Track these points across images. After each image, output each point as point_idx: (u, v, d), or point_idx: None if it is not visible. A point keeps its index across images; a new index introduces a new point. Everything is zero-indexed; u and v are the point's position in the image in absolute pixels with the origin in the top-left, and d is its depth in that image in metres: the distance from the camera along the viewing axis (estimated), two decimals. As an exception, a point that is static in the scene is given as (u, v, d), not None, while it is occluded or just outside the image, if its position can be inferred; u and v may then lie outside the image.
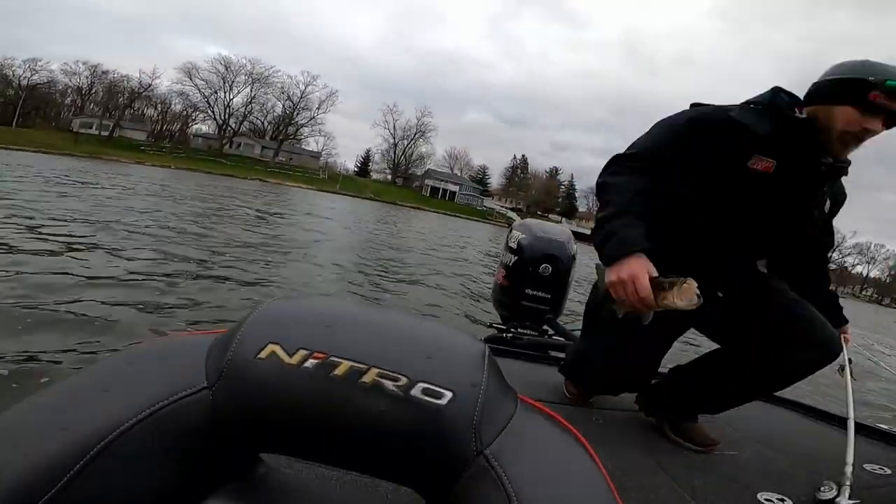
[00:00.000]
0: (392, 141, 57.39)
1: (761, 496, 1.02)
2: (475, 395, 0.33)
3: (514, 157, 66.28)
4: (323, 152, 54.79)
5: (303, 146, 53.19)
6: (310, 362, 0.31)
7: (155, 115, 49.09)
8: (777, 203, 1.01)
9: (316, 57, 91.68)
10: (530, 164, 65.88)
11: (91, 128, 40.36)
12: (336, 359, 0.31)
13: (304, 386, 0.31)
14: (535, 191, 59.75)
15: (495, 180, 65.08)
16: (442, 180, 54.13)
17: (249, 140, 48.58)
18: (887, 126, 0.94)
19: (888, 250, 61.67)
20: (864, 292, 60.88)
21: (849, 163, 1.04)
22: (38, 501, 0.28)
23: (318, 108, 52.12)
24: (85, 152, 31.68)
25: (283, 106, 51.49)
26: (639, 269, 0.85)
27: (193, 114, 48.98)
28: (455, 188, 53.57)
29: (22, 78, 41.42)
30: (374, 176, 59.90)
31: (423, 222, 26.00)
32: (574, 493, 0.33)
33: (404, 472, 0.34)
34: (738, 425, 1.40)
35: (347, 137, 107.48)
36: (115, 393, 0.32)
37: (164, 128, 49.03)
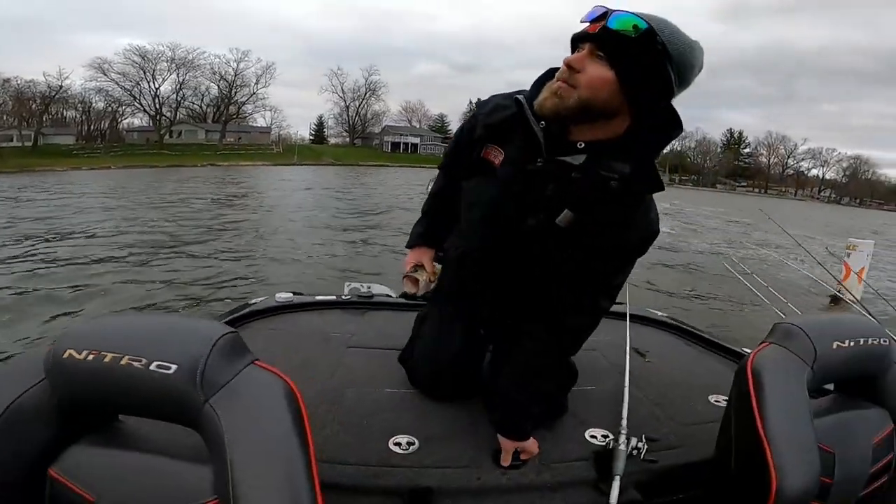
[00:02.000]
0: (343, 104, 55.21)
1: (588, 433, 1.01)
2: (195, 365, 0.55)
3: (471, 101, 64.60)
4: (273, 126, 51.94)
5: (250, 123, 50.29)
6: (91, 356, 0.55)
7: (77, 116, 45.03)
8: (502, 199, 0.86)
9: (245, 32, 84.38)
10: None
11: (11, 140, 36.80)
12: (105, 353, 0.55)
13: (90, 371, 0.55)
14: None
15: (455, 126, 63.82)
16: (401, 135, 52.91)
17: (191, 126, 45.43)
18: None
19: (839, 153, 64.68)
20: (822, 194, 63.56)
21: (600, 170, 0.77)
22: None
23: (256, 84, 48.86)
24: (13, 167, 29.06)
25: (219, 87, 47.89)
26: (410, 259, 1.08)
27: (120, 109, 45.08)
28: (416, 140, 52.48)
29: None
30: (333, 141, 57.92)
31: (394, 179, 25.59)
32: (270, 429, 0.56)
33: (164, 415, 0.59)
34: (613, 358, 1.36)
35: (299, 108, 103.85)
36: None
37: (92, 128, 45.08)
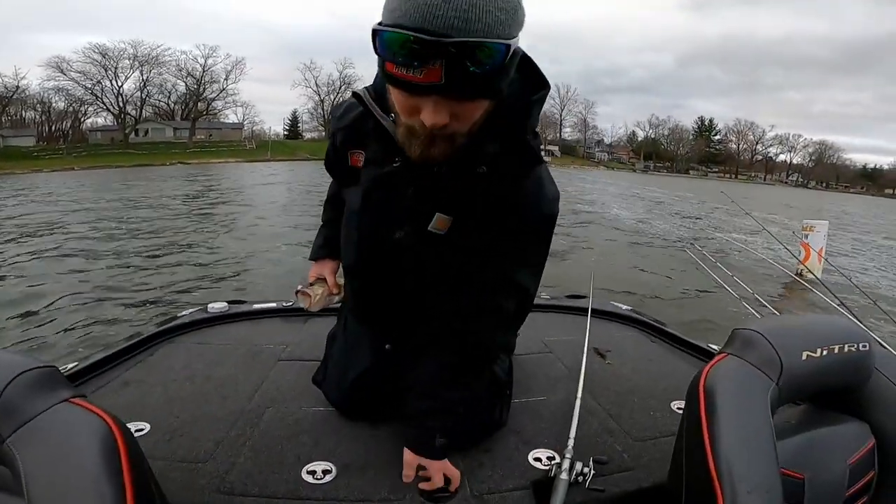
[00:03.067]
0: (318, 98, 54.59)
1: (532, 455, 0.91)
2: None
3: (447, 91, 64.74)
4: (245, 122, 50.68)
5: (221, 120, 48.91)
6: None
7: (37, 117, 43.07)
8: (362, 210, 0.79)
9: (212, 27, 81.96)
10: None
11: (-35, 144, 35.03)
12: None
13: None
14: None
15: None
16: (378, 127, 52.16)
17: (157, 124, 43.90)
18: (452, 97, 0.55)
19: (805, 138, 67.53)
20: (790, 178, 65.83)
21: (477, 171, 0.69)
22: None
23: (226, 80, 47.43)
24: (-33, 172, 27.69)
25: (186, 83, 46.36)
26: (312, 272, 1.04)
27: (82, 108, 43.27)
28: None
29: None
30: (309, 135, 56.79)
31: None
32: (73, 474, 0.51)
33: None
34: (568, 361, 1.27)
35: (272, 103, 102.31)
36: None
37: (53, 128, 43.23)
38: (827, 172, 65.73)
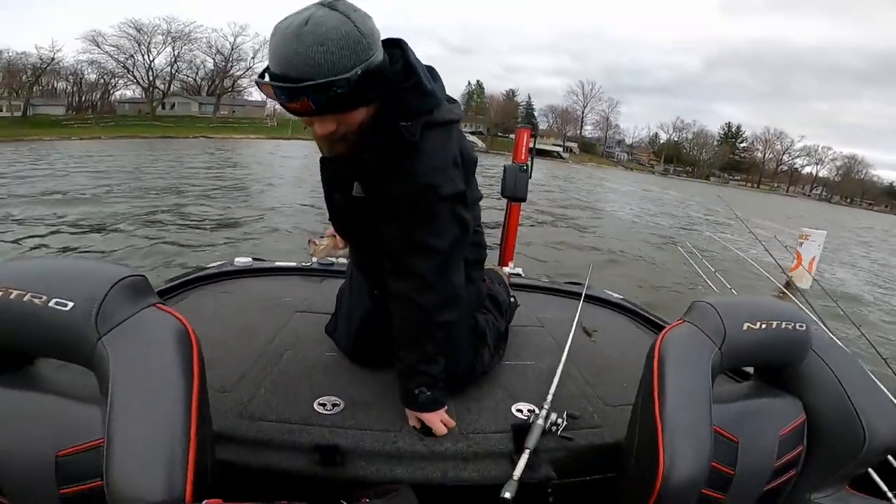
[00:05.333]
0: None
1: (515, 406, 1.02)
2: (92, 304, 0.58)
3: (469, 83, 63.89)
4: (267, 100, 50.43)
5: (245, 97, 49.49)
6: (2, 293, 0.58)
7: (68, 87, 44.15)
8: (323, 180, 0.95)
9: (243, 2, 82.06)
10: (486, 89, 63.97)
11: (1, 110, 36.19)
12: (11, 289, 0.57)
13: (5, 305, 0.58)
14: (493, 113, 58.45)
15: None
16: (397, 114, 51.82)
17: (184, 98, 44.54)
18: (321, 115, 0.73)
19: (835, 151, 65.17)
20: (814, 191, 64.06)
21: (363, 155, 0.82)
22: None
23: (253, 58, 47.60)
24: (3, 136, 28.73)
25: (215, 60, 46.88)
26: (327, 231, 1.15)
27: (112, 80, 44.23)
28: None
29: None
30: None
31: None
32: (155, 368, 0.59)
33: (61, 353, 0.61)
34: (557, 335, 1.38)
35: None
36: None
37: (83, 99, 44.24)
38: (853, 187, 63.63)
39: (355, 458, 0.85)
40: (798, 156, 65.11)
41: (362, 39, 0.68)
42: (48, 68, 40.39)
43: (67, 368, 0.63)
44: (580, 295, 1.63)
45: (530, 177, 2.43)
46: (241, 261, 1.74)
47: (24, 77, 39.55)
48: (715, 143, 65.31)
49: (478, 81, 64.79)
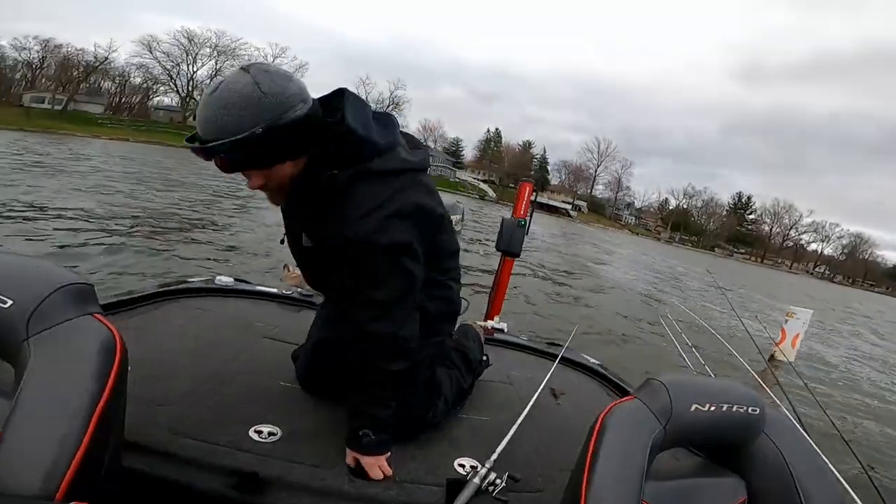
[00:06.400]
0: (366, 113, 56.15)
1: (458, 461, 0.99)
2: (30, 304, 0.59)
3: (488, 130, 65.45)
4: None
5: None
6: None
7: (113, 87, 46.81)
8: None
9: (284, 26, 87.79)
10: (504, 137, 65.38)
11: (43, 102, 38.29)
12: None
13: None
14: (507, 163, 59.37)
15: (469, 153, 64.39)
16: (415, 152, 53.15)
17: (215, 113, 46.76)
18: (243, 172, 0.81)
19: (842, 229, 64.95)
20: (816, 269, 63.87)
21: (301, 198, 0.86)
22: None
23: (288, 81, 50.11)
24: (36, 126, 30.29)
25: (251, 79, 49.50)
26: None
27: (154, 86, 46.85)
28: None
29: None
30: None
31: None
32: (71, 375, 0.59)
33: None
34: (524, 392, 1.34)
35: None
36: None
37: (123, 100, 46.71)
38: (856, 267, 63.40)
39: (277, 489, 0.82)
40: (805, 231, 64.91)
41: (265, 99, 0.72)
42: (99, 67, 42.90)
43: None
44: (556, 356, 1.61)
45: (527, 233, 2.45)
46: (223, 280, 1.76)
47: (75, 73, 42.06)
48: (724, 212, 65.26)
49: (496, 129, 66.32)
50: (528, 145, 64.54)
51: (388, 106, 55.55)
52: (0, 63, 40.94)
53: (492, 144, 63.87)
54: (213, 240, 6.91)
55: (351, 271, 0.85)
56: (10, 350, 0.60)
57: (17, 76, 43.05)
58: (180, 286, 1.62)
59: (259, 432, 0.94)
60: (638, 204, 67.38)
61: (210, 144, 0.73)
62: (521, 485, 0.91)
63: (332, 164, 0.81)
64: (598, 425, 0.74)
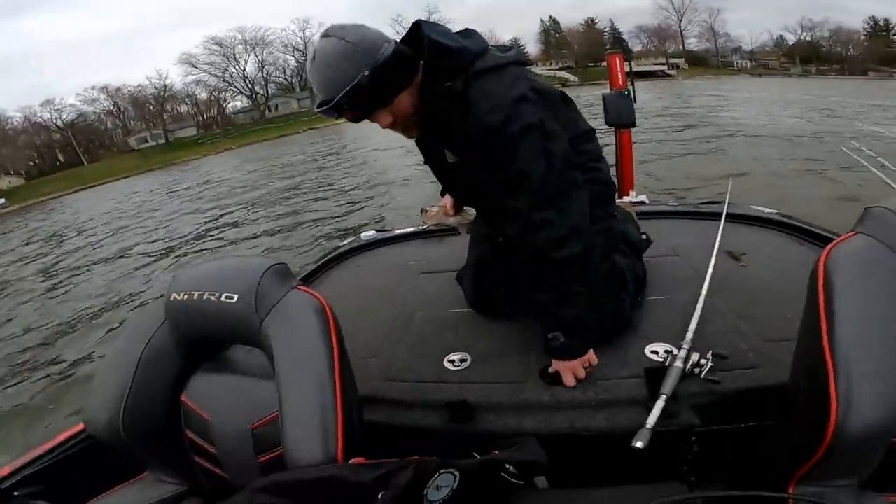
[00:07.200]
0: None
1: (649, 348, 0.93)
2: (251, 294, 0.71)
3: (542, 21, 59.58)
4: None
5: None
6: (185, 296, 0.75)
7: (189, 109, 50.14)
8: (429, 162, 1.06)
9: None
10: (562, 22, 59.02)
11: (147, 141, 42.51)
12: (193, 292, 0.74)
13: (186, 308, 0.75)
14: (577, 46, 54.20)
15: (532, 49, 59.15)
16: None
17: (283, 98, 48.21)
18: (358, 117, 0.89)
19: None
20: None
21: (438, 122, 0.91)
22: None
23: (326, 44, 49.67)
24: (158, 163, 33.77)
25: (295, 57, 49.74)
26: (444, 200, 1.16)
27: (221, 95, 49.22)
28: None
29: (52, 121, 42.63)
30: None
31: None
32: (303, 343, 0.70)
33: (242, 338, 0.76)
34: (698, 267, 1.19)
35: None
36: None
37: (205, 117, 49.97)
38: None
39: (483, 412, 0.86)
40: None
41: (357, 49, 0.80)
42: (167, 94, 46.11)
43: (254, 352, 0.74)
44: (720, 215, 1.40)
45: (635, 101, 2.36)
46: (367, 235, 1.87)
47: (150, 107, 45.71)
48: (862, 39, 52.54)
49: (550, 17, 60.04)
50: (591, 22, 57.56)
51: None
52: (86, 120, 45.36)
53: (552, 33, 58.57)
54: (337, 195, 8.32)
55: (500, 168, 0.86)
56: (254, 337, 0.72)
57: (109, 125, 47.87)
58: (334, 253, 1.74)
59: (452, 361, 0.98)
60: (747, 47, 57.09)
61: (333, 102, 0.81)
62: (731, 362, 0.84)
63: (443, 79, 0.86)
64: (820, 272, 0.59)
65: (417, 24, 0.90)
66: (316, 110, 0.87)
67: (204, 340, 0.79)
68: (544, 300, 0.89)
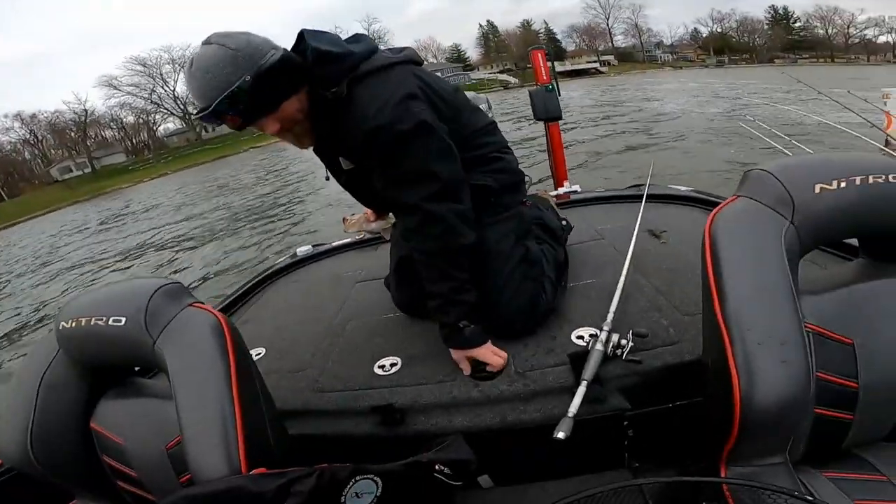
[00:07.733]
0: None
1: (575, 333, 0.92)
2: (139, 315, 0.70)
3: (480, 26, 61.42)
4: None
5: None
6: (73, 323, 0.73)
7: (115, 133, 46.71)
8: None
9: (222, 17, 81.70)
10: (499, 26, 61.16)
11: (71, 170, 39.15)
12: (80, 318, 0.73)
13: (75, 335, 0.74)
14: (515, 48, 55.77)
15: (472, 54, 61.09)
16: (421, 76, 51.31)
17: (219, 118, 46.03)
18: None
19: None
20: None
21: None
22: None
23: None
24: (85, 193, 31.21)
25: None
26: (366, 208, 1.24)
27: (150, 117, 46.18)
28: (438, 73, 50.05)
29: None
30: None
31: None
32: (199, 360, 0.68)
33: (136, 361, 0.77)
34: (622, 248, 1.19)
35: None
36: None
37: (134, 141, 46.66)
38: None
39: (413, 413, 0.85)
40: (865, 27, 55.92)
41: (239, 54, 0.78)
42: (89, 119, 42.74)
43: (161, 374, 0.73)
44: (641, 196, 1.44)
45: (560, 95, 2.46)
46: (302, 250, 1.90)
47: (71, 133, 42.18)
48: (765, 27, 57.99)
49: (488, 21, 61.97)
50: (527, 25, 59.91)
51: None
52: (2, 151, 41.15)
53: (491, 37, 60.10)
54: (279, 215, 8.20)
55: (389, 167, 0.87)
56: (149, 358, 0.70)
57: (27, 156, 43.69)
58: (270, 270, 1.76)
59: (382, 367, 0.98)
60: (667, 41, 61.20)
61: (211, 108, 0.78)
62: (651, 340, 0.83)
63: (328, 86, 0.85)
64: (706, 239, 0.59)
65: (301, 35, 0.89)
66: (194, 117, 0.87)
67: (103, 366, 0.77)
68: (445, 290, 0.88)
